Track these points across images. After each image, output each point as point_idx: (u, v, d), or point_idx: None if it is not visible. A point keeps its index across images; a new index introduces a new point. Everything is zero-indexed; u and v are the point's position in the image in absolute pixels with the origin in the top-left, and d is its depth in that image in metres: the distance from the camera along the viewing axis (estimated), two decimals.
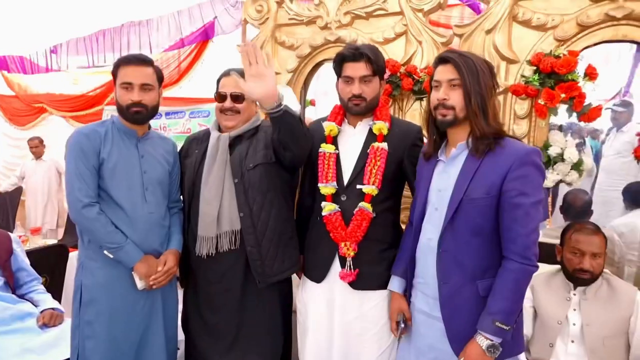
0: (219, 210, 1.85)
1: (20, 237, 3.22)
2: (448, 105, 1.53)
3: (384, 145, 1.82)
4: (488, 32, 2.60)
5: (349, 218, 1.83)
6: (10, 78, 6.28)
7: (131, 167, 1.87)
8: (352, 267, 1.83)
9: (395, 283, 1.80)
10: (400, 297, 1.78)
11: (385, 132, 1.84)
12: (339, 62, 1.86)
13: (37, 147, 5.34)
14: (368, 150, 1.84)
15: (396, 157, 1.84)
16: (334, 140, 1.91)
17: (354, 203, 1.82)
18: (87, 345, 1.81)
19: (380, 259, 1.86)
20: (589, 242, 1.92)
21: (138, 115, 1.86)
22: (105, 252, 1.80)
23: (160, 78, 1.94)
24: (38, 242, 3.55)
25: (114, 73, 1.88)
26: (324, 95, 4.36)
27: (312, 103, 4.11)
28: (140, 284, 1.84)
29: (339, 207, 1.85)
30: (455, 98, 1.52)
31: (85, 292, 1.82)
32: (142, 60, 1.87)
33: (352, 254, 1.82)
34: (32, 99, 6.26)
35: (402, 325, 1.74)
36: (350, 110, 1.88)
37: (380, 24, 3.01)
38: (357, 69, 1.81)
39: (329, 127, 1.91)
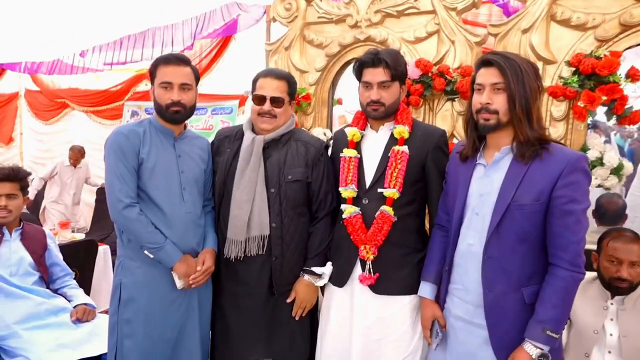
0: (250, 215, 1.86)
1: (51, 230, 3.27)
2: (491, 110, 1.50)
3: (405, 148, 1.81)
4: (524, 31, 2.55)
5: (370, 221, 1.82)
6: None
7: (169, 167, 1.87)
8: (372, 270, 1.82)
9: (427, 289, 1.77)
10: (432, 304, 1.75)
11: (406, 135, 1.83)
12: (358, 68, 1.86)
13: (76, 159, 5.40)
14: (389, 154, 1.82)
15: (419, 160, 1.83)
16: (357, 145, 1.91)
17: (375, 206, 1.81)
18: (126, 344, 1.82)
19: (402, 264, 1.84)
20: (627, 250, 1.86)
21: (177, 115, 1.86)
22: (146, 252, 1.81)
23: (197, 78, 1.94)
24: (67, 235, 3.60)
25: (152, 72, 1.88)
26: (348, 91, 4.34)
27: (340, 102, 4.10)
28: (179, 284, 1.85)
29: (360, 210, 1.84)
30: (499, 102, 1.49)
31: (125, 290, 1.84)
32: (181, 60, 1.86)
33: (371, 257, 1.81)
34: (54, 94, 6.34)
35: (440, 334, 1.70)
36: (369, 115, 1.88)
37: (412, 22, 2.97)
38: (375, 74, 1.80)
39: (351, 132, 1.92)
